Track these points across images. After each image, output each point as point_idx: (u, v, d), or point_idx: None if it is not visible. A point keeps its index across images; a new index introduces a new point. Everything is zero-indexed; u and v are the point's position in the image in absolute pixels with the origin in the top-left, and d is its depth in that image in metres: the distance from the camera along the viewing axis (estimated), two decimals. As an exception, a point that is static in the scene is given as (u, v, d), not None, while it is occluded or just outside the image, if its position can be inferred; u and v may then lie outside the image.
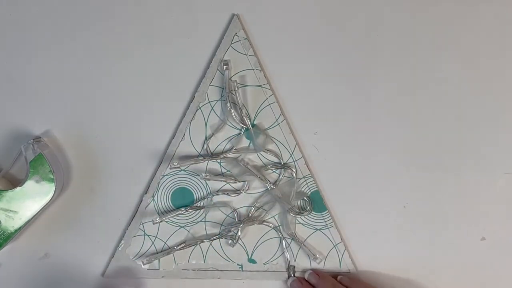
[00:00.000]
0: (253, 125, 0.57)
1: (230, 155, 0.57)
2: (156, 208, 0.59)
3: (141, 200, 0.59)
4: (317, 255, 0.58)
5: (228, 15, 0.56)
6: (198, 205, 0.59)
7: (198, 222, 0.59)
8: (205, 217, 0.59)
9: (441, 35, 0.56)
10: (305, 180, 0.58)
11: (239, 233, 0.57)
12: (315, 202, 0.58)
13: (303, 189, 0.58)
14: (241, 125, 0.57)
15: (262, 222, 0.58)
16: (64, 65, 0.57)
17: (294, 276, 0.59)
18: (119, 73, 0.57)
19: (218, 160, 0.58)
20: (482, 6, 0.56)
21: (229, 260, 0.59)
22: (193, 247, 0.59)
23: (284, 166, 0.58)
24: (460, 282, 0.59)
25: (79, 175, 0.59)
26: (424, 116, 0.57)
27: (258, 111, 0.57)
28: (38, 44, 0.57)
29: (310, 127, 0.58)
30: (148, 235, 0.59)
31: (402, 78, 0.57)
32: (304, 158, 0.58)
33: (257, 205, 0.58)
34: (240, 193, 0.58)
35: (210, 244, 0.59)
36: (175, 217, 0.58)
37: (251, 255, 0.59)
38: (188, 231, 0.59)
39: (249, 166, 0.56)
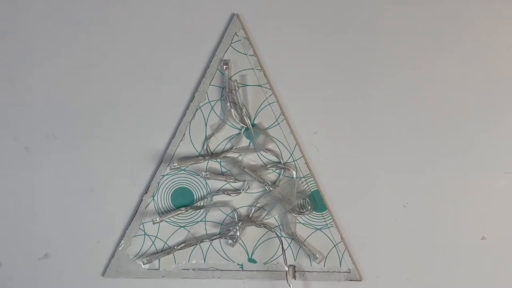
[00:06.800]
0: (253, 125, 0.57)
1: (230, 154, 0.57)
2: (156, 208, 0.59)
3: (141, 200, 0.59)
4: (317, 255, 0.58)
5: (228, 15, 0.56)
6: (198, 205, 0.59)
7: (198, 222, 0.59)
8: (205, 217, 0.59)
9: (441, 36, 0.56)
10: (305, 180, 0.58)
11: (238, 233, 0.57)
12: (315, 202, 0.58)
13: (303, 189, 0.58)
14: (241, 124, 0.57)
15: (262, 222, 0.58)
16: (64, 65, 0.58)
17: (294, 277, 0.59)
18: (119, 73, 0.57)
19: (218, 160, 0.58)
20: (483, 6, 0.56)
21: (229, 260, 0.59)
22: (193, 247, 0.59)
23: (284, 166, 0.58)
24: (460, 282, 0.59)
25: (79, 174, 0.59)
26: (424, 116, 0.57)
27: (258, 111, 0.57)
28: (39, 45, 0.57)
29: (310, 127, 0.58)
30: (148, 235, 0.59)
31: (402, 78, 0.57)
32: (304, 158, 0.58)
33: (258, 205, 0.58)
34: (240, 192, 0.58)
35: (210, 244, 0.59)
36: (175, 217, 0.58)
37: (251, 255, 0.59)
38: (188, 231, 0.59)
39: (246, 170, 0.56)
